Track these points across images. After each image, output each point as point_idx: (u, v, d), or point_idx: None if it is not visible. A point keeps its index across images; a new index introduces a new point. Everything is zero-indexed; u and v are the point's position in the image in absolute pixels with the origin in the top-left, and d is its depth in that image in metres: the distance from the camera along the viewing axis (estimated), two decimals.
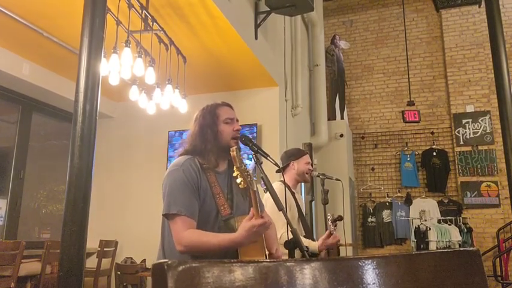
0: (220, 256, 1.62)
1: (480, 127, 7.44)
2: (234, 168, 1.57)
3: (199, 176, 1.68)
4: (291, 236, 1.86)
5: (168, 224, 1.67)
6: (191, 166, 1.69)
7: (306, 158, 2.94)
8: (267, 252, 1.76)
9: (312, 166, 3.02)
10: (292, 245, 1.90)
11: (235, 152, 1.55)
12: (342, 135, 7.22)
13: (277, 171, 2.14)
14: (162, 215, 1.67)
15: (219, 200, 1.68)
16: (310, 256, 1.75)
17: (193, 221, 1.62)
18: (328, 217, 2.72)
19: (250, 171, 1.63)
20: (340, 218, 2.74)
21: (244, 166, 1.58)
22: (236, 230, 1.62)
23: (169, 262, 0.66)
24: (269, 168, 2.08)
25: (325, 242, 2.63)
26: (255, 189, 1.61)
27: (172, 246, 1.64)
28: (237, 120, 1.87)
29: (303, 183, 5.76)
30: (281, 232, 2.59)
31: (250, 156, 1.66)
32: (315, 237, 3.33)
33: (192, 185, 1.65)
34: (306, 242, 2.64)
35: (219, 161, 1.77)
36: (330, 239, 2.64)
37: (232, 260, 0.71)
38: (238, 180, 1.57)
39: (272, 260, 0.72)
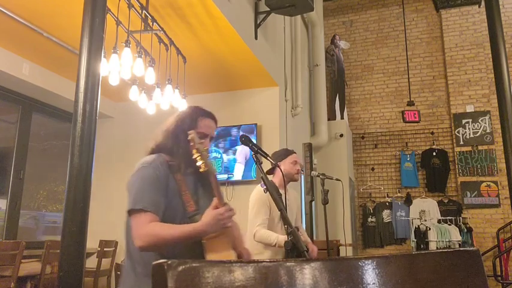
0: (186, 253, 1.58)
1: (480, 127, 7.44)
2: (193, 151, 1.56)
3: (167, 174, 1.66)
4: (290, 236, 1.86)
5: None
6: (161, 164, 1.67)
7: (293, 157, 2.93)
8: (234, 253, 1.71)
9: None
10: (291, 245, 1.90)
11: (193, 135, 1.55)
12: (341, 135, 7.22)
13: (267, 172, 2.13)
14: (127, 211, 1.61)
15: (185, 197, 1.66)
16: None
17: (157, 218, 1.57)
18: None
19: (210, 156, 1.62)
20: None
21: (205, 150, 1.57)
22: None
23: (169, 262, 0.66)
24: (269, 168, 2.08)
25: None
26: (216, 173, 1.61)
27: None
28: (212, 138, 1.84)
29: (303, 182, 5.76)
30: (253, 231, 2.66)
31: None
32: (314, 237, 3.32)
33: (161, 183, 1.63)
34: (273, 237, 2.64)
35: (186, 165, 1.72)
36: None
37: (232, 260, 0.71)
38: (199, 163, 1.55)
39: (272, 260, 0.72)
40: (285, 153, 2.97)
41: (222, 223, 1.56)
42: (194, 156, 1.56)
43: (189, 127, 1.74)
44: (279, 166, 2.41)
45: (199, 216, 1.62)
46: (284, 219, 1.83)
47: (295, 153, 3.01)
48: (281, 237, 2.66)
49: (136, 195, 1.59)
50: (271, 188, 1.89)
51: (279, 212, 2.81)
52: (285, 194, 2.44)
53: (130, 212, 1.60)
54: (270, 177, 2.91)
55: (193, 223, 1.57)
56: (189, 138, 1.55)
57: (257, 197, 2.78)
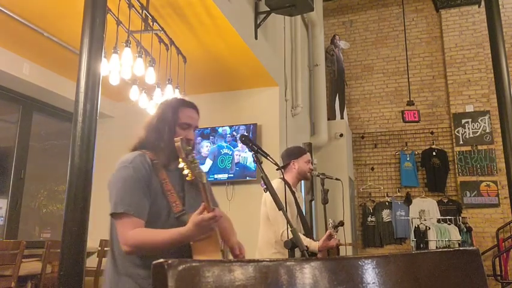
0: (173, 255, 1.54)
1: (480, 127, 7.45)
2: (180, 160, 1.50)
3: (150, 174, 1.60)
4: (291, 236, 1.87)
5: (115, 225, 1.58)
6: (142, 163, 1.60)
7: (307, 156, 2.96)
8: (222, 246, 1.68)
9: (312, 165, 3.03)
10: (292, 244, 1.90)
11: (179, 143, 1.48)
12: (341, 135, 7.22)
13: (277, 169, 2.13)
14: (109, 214, 1.58)
15: (171, 197, 1.61)
16: (310, 255, 1.74)
17: (141, 221, 1.54)
18: (329, 222, 2.71)
19: (198, 163, 1.57)
20: (342, 224, 2.75)
21: (192, 157, 1.52)
22: None
23: (169, 261, 0.66)
24: (269, 168, 2.08)
25: (325, 243, 2.64)
26: (205, 181, 1.54)
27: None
28: (196, 128, 1.77)
29: (303, 181, 5.77)
30: (281, 230, 2.60)
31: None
32: (314, 236, 3.32)
33: (143, 183, 1.57)
34: (306, 241, 2.64)
35: (171, 160, 1.67)
36: (331, 241, 2.65)
37: (232, 260, 0.71)
38: (185, 172, 1.50)
39: (272, 259, 0.71)
40: (300, 151, 2.99)
41: (208, 229, 1.52)
42: (180, 166, 1.50)
43: (172, 119, 1.68)
44: (283, 168, 2.40)
45: (187, 215, 1.58)
46: (286, 218, 1.84)
47: (308, 152, 3.04)
48: (313, 244, 2.65)
49: (117, 197, 1.55)
50: (271, 188, 1.89)
51: (296, 212, 2.81)
52: (285, 191, 2.43)
53: (113, 215, 1.56)
54: (279, 172, 2.91)
55: (179, 228, 1.52)
56: (176, 145, 1.48)
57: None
